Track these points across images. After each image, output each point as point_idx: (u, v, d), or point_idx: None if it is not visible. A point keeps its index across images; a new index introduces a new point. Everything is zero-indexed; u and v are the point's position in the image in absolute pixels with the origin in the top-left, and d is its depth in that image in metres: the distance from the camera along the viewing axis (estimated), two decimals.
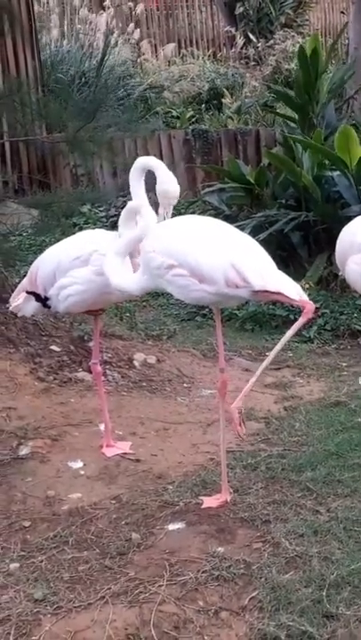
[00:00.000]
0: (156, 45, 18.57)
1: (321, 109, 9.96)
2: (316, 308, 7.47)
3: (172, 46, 18.04)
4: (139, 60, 16.49)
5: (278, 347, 4.02)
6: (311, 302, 3.87)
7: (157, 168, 4.29)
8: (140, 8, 18.25)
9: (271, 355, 4.05)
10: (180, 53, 18.52)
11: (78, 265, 4.57)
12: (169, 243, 4.03)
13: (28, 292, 4.83)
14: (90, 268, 4.53)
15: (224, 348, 4.45)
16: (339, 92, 10.60)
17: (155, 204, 4.31)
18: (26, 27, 11.41)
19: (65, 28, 16.20)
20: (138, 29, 17.67)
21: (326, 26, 22.64)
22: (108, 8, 17.21)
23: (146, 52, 17.00)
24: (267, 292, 3.86)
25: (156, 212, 4.29)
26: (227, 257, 3.88)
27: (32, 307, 4.88)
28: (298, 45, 15.75)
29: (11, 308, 5.05)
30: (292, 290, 3.85)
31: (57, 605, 3.48)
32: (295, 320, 3.96)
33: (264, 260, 3.96)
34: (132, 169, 4.41)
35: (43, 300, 4.75)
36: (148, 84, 14.96)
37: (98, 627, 3.36)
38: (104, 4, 17.53)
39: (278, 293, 3.86)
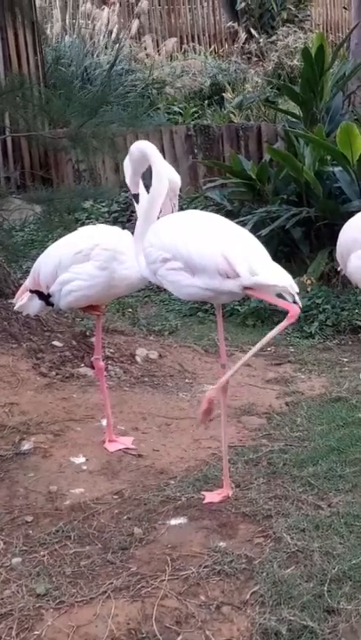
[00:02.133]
0: (157, 41, 18.55)
1: (325, 105, 9.97)
2: (317, 303, 7.55)
3: (173, 41, 18.01)
4: (141, 56, 16.48)
5: (258, 346, 3.96)
6: (296, 306, 3.82)
7: (152, 155, 4.21)
8: (143, 3, 18.21)
9: (250, 353, 4.01)
10: (181, 49, 18.50)
11: (80, 259, 4.59)
12: (163, 235, 4.05)
13: (31, 291, 4.85)
14: (92, 262, 4.56)
15: (226, 344, 4.45)
16: (341, 88, 10.59)
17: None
18: (28, 21, 11.39)
19: (67, 22, 16.19)
20: (140, 24, 17.66)
21: (328, 21, 22.60)
22: (113, 4, 17.19)
23: (148, 48, 16.98)
24: (256, 286, 3.84)
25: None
26: (217, 247, 3.86)
27: (36, 305, 4.89)
28: (300, 41, 15.81)
29: (15, 308, 5.07)
30: (283, 281, 3.81)
31: (59, 600, 3.50)
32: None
33: (257, 252, 3.92)
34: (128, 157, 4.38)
35: (46, 298, 4.77)
36: (151, 79, 14.96)
37: (100, 621, 3.38)
38: None
39: (267, 287, 3.84)
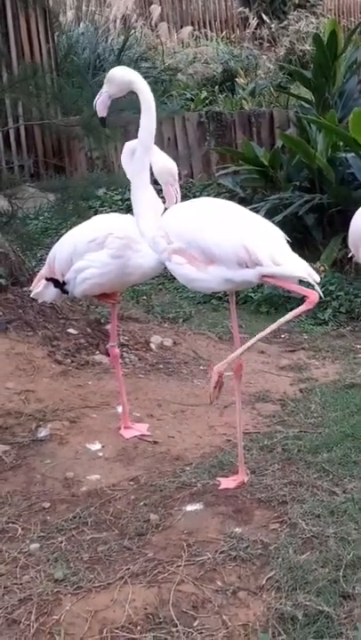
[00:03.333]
0: (169, 27, 18.50)
1: (337, 90, 9.95)
2: (330, 290, 7.56)
3: (189, 29, 17.99)
4: (154, 43, 16.44)
5: (274, 326, 3.94)
6: (315, 292, 3.76)
7: (139, 83, 4.19)
8: None
9: (264, 332, 3.99)
10: (193, 35, 18.46)
11: (94, 248, 4.62)
12: (178, 224, 4.03)
13: (47, 279, 4.89)
14: (105, 251, 4.60)
15: (240, 331, 4.47)
16: (354, 73, 10.56)
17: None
18: (40, 9, 11.36)
19: (81, 9, 16.14)
20: (154, 11, 17.64)
21: (340, 6, 22.49)
22: None
23: (162, 35, 16.94)
24: (274, 275, 3.84)
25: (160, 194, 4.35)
26: (237, 236, 3.83)
27: (51, 293, 4.94)
28: (311, 26, 15.75)
29: (32, 295, 5.13)
30: (301, 269, 3.80)
31: (77, 585, 3.53)
32: None
33: (277, 241, 3.89)
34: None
35: (61, 286, 4.80)
36: (164, 66, 14.93)
37: (117, 606, 3.41)
38: None
39: (288, 277, 3.85)
